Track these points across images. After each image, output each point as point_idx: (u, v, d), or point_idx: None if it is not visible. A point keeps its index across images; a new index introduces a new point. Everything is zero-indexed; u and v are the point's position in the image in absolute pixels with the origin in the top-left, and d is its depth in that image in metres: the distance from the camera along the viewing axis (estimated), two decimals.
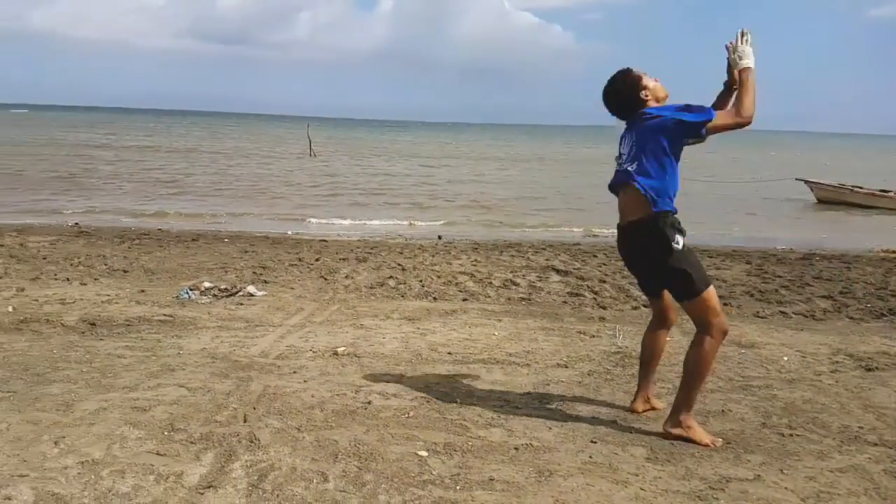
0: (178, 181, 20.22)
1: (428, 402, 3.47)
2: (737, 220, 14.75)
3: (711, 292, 3.10)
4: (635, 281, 6.88)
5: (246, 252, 8.50)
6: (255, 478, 2.61)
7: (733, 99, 3.14)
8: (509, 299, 6.25)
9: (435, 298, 6.20)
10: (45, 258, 7.56)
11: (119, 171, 22.25)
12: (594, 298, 6.31)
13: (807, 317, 5.83)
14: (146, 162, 26.75)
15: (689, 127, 3.00)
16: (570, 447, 2.98)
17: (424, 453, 2.86)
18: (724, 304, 6.13)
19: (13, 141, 36.46)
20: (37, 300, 5.55)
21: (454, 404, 3.44)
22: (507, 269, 7.75)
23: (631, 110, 3.18)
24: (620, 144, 3.26)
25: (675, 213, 3.11)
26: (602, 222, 12.49)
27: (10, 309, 5.20)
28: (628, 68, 3.22)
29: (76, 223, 11.47)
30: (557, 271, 7.65)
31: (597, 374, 4.04)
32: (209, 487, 2.52)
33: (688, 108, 3.02)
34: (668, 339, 3.52)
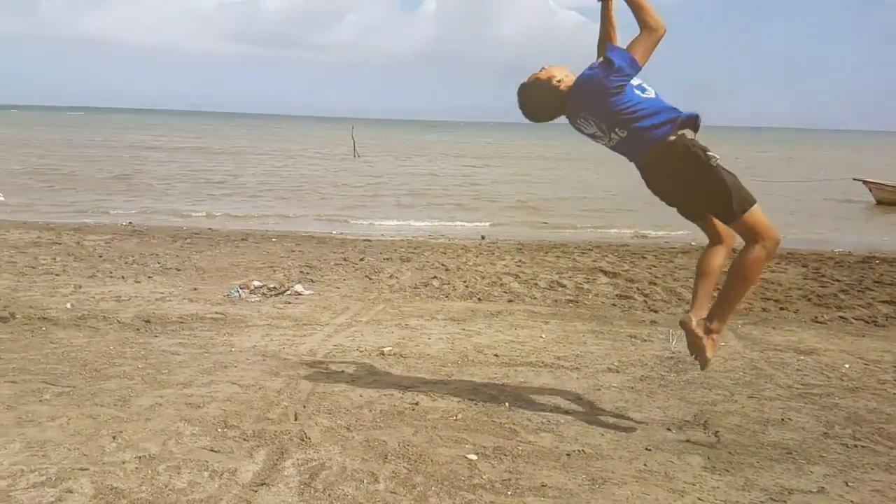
0: (226, 182, 20.69)
1: (476, 404, 3.44)
2: (791, 222, 14.23)
3: (757, 210, 2.98)
4: (688, 283, 6.68)
5: (293, 251, 8.62)
6: (307, 476, 2.63)
7: (638, 23, 3.02)
8: (556, 301, 6.16)
9: (479, 299, 6.16)
10: (100, 256, 7.80)
11: (170, 172, 22.89)
12: (644, 301, 6.17)
13: (868, 322, 5.59)
14: (196, 163, 27.46)
15: (628, 70, 2.97)
16: (624, 454, 2.91)
17: (474, 457, 2.83)
18: (781, 309, 5.95)
19: (70, 143, 37.92)
20: (93, 297, 5.72)
21: (502, 408, 3.40)
22: (553, 270, 7.65)
23: (561, 105, 3.16)
24: (582, 131, 3.20)
25: (684, 119, 3.00)
26: (651, 223, 12.28)
27: (69, 306, 5.37)
28: (521, 84, 3.21)
29: (130, 222, 11.82)
30: (605, 273, 7.52)
31: (650, 379, 3.94)
32: (262, 485, 2.55)
33: (609, 61, 3.00)
34: (727, 259, 3.26)
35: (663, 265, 7.99)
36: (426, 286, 6.66)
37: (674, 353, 4.46)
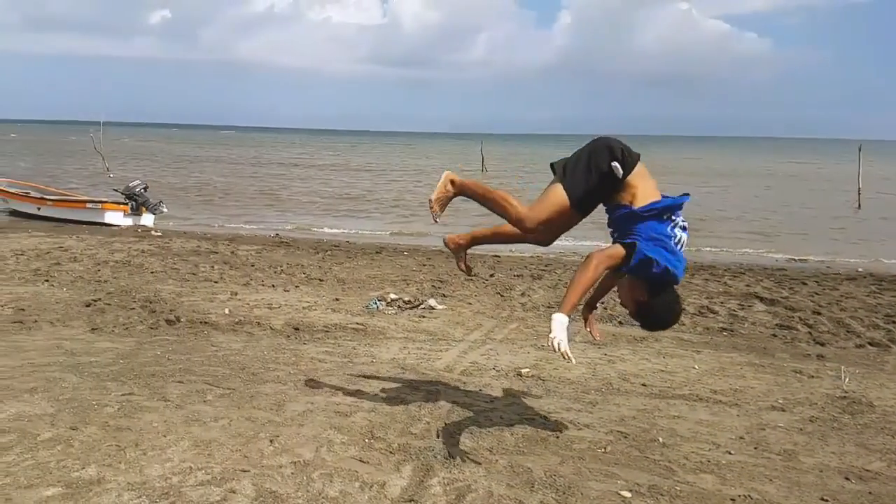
0: (362, 197, 21.59)
1: (625, 437, 3.25)
2: None
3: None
4: (856, 314, 6.04)
5: (424, 265, 8.76)
6: (454, 497, 2.58)
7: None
8: (707, 329, 5.77)
9: (620, 322, 5.90)
10: (253, 265, 8.34)
11: (312, 188, 24.25)
12: (809, 332, 5.62)
13: None
14: (335, 179, 28.92)
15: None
16: None
17: (628, 494, 2.66)
18: None
19: (224, 159, 41.32)
20: (248, 304, 6.09)
21: (655, 443, 3.19)
22: (702, 294, 7.19)
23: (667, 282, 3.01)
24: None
25: None
26: (815, 248, 11.29)
27: (227, 311, 5.76)
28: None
29: (276, 234, 12.60)
30: (761, 299, 6.94)
31: (821, 420, 3.55)
32: (410, 501, 2.54)
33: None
34: None
35: (827, 293, 7.28)
36: None
37: (846, 392, 4.01)
